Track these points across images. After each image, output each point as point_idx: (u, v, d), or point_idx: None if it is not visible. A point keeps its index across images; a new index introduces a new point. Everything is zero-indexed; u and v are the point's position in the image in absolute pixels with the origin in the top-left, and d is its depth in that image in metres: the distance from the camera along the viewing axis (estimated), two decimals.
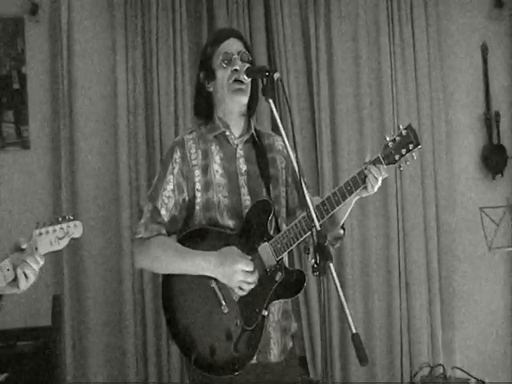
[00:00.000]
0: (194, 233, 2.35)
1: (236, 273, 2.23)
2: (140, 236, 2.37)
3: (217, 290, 2.29)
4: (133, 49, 4.11)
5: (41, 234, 2.02)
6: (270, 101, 2.13)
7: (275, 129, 2.82)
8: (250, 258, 2.26)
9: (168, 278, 2.37)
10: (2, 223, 4.04)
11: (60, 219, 2.08)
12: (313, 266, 1.88)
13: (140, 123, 4.12)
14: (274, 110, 2.13)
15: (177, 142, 2.42)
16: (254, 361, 2.27)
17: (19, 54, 4.12)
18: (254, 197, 2.37)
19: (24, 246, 1.98)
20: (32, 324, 3.88)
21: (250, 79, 2.34)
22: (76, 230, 2.08)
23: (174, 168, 2.38)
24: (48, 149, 4.15)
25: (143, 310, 4.06)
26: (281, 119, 2.16)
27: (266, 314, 2.28)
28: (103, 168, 4.14)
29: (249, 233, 2.32)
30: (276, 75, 2.14)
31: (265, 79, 2.16)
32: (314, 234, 1.94)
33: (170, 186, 2.37)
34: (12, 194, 4.09)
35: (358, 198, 2.32)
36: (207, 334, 2.29)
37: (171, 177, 2.38)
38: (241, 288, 2.25)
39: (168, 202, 2.37)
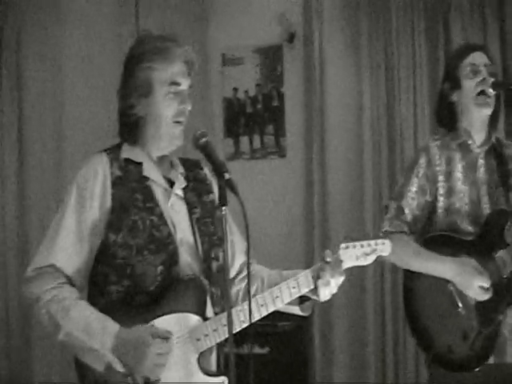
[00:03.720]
0: (435, 237, 2.38)
1: (473, 287, 2.25)
2: (385, 229, 2.42)
3: (454, 293, 2.30)
4: (376, 67, 4.25)
5: (347, 247, 2.00)
6: None
7: None
8: (487, 273, 2.25)
9: (409, 277, 2.41)
10: (264, 219, 4.30)
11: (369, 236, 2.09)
12: None
13: (383, 133, 4.24)
14: None
15: (423, 148, 2.47)
16: (490, 361, 2.26)
17: (278, 76, 4.46)
18: (494, 205, 2.36)
19: (328, 260, 1.97)
20: None
21: (494, 92, 2.32)
22: (384, 247, 2.02)
23: (418, 172, 2.42)
24: (302, 157, 4.43)
25: (383, 305, 4.19)
26: None
27: (503, 317, 2.27)
28: (350, 175, 4.30)
29: (486, 240, 2.31)
30: None
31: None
32: None
33: (414, 188, 2.41)
34: (270, 195, 4.42)
35: None
36: (445, 333, 2.31)
37: (416, 179, 2.41)
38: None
39: (411, 203, 2.41)
